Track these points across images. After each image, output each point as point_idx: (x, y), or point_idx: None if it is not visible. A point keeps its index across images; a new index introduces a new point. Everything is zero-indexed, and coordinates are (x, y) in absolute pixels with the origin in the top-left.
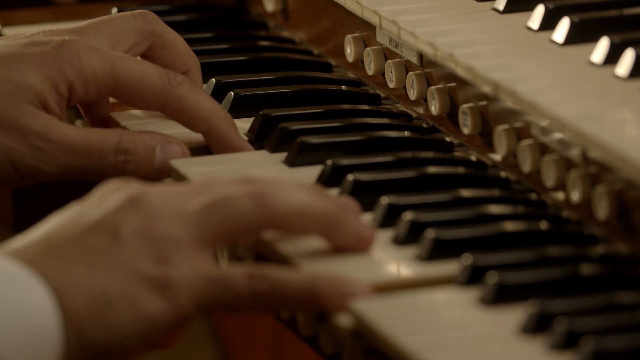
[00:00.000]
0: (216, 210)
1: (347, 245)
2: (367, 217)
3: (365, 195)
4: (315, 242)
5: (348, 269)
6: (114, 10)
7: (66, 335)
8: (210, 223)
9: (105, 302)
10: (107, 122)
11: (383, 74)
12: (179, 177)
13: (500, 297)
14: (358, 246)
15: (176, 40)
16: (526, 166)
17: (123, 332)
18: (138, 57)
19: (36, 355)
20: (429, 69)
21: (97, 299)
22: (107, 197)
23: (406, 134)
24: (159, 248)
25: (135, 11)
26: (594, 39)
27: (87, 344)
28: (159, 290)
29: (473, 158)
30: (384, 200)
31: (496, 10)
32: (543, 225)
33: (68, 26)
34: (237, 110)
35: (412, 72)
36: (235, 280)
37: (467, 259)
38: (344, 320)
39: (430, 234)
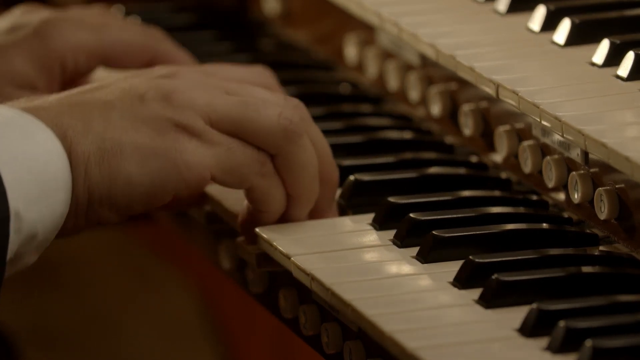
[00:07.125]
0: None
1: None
2: (368, 218)
3: (366, 196)
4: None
5: (351, 268)
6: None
7: (74, 178)
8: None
9: (116, 150)
10: None
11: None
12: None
13: (501, 296)
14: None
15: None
16: (527, 167)
17: (128, 180)
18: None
19: (51, 203)
20: (430, 70)
21: (108, 146)
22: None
23: (407, 135)
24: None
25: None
26: (595, 40)
27: (93, 191)
28: (174, 150)
29: (474, 159)
30: (386, 200)
31: (497, 11)
32: (544, 225)
33: None
34: None
35: (413, 73)
36: None
37: (468, 259)
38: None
39: (431, 234)
